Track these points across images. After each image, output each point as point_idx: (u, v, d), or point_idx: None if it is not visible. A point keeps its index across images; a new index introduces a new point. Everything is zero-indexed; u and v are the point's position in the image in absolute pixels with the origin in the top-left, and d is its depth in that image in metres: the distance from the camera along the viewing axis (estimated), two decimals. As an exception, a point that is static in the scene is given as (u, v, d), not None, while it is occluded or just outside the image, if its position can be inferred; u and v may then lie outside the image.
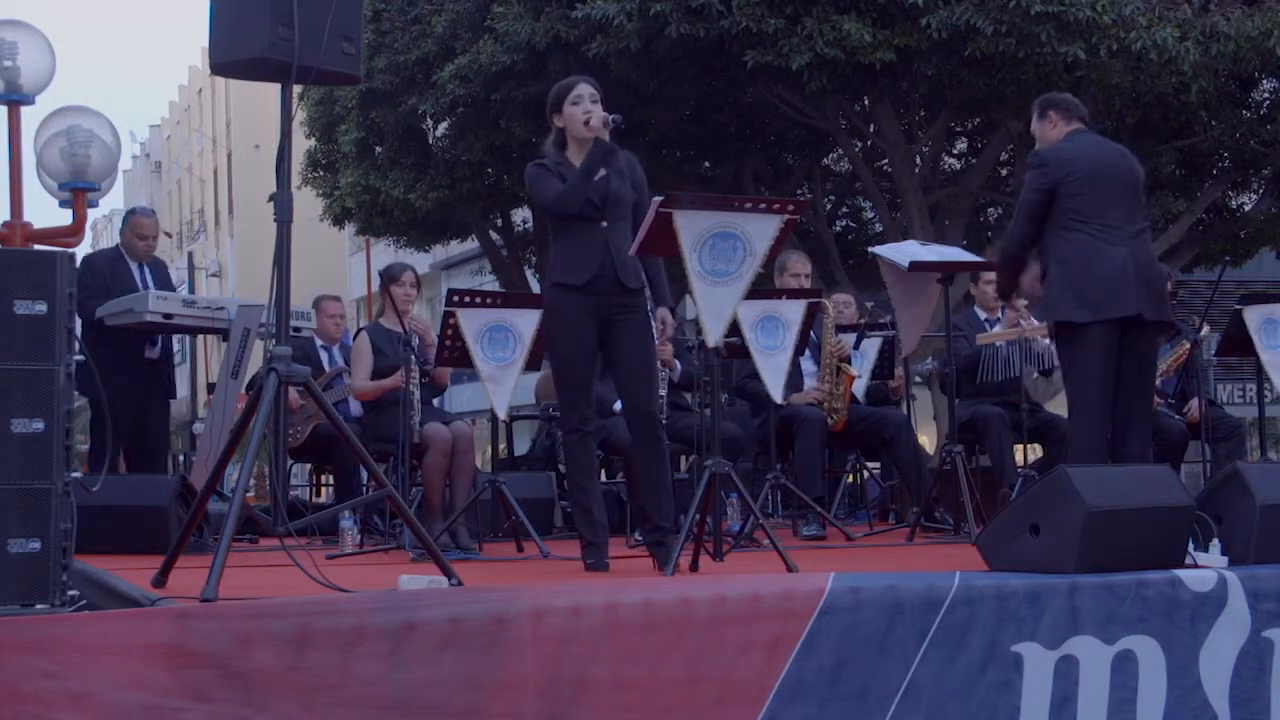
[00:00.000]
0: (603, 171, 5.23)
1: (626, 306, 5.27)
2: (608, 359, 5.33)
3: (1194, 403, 7.52)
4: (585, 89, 5.28)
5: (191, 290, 29.35)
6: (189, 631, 3.63)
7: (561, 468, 7.68)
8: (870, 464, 8.72)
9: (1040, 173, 5.71)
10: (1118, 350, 5.65)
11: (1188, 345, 7.49)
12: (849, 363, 7.33)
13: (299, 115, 15.04)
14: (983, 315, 7.70)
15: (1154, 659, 4.52)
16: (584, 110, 5.23)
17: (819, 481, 7.15)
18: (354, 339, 7.39)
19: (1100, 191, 5.66)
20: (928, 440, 14.23)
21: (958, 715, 4.25)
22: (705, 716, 3.99)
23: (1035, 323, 6.85)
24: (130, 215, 8.11)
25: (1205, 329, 7.56)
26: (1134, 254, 5.65)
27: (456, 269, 29.50)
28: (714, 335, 5.01)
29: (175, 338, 8.05)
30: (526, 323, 6.26)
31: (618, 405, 6.29)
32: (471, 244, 22.20)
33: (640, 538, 5.73)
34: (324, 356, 8.07)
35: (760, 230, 5.00)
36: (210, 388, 7.91)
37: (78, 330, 4.20)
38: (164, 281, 8.03)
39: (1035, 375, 7.35)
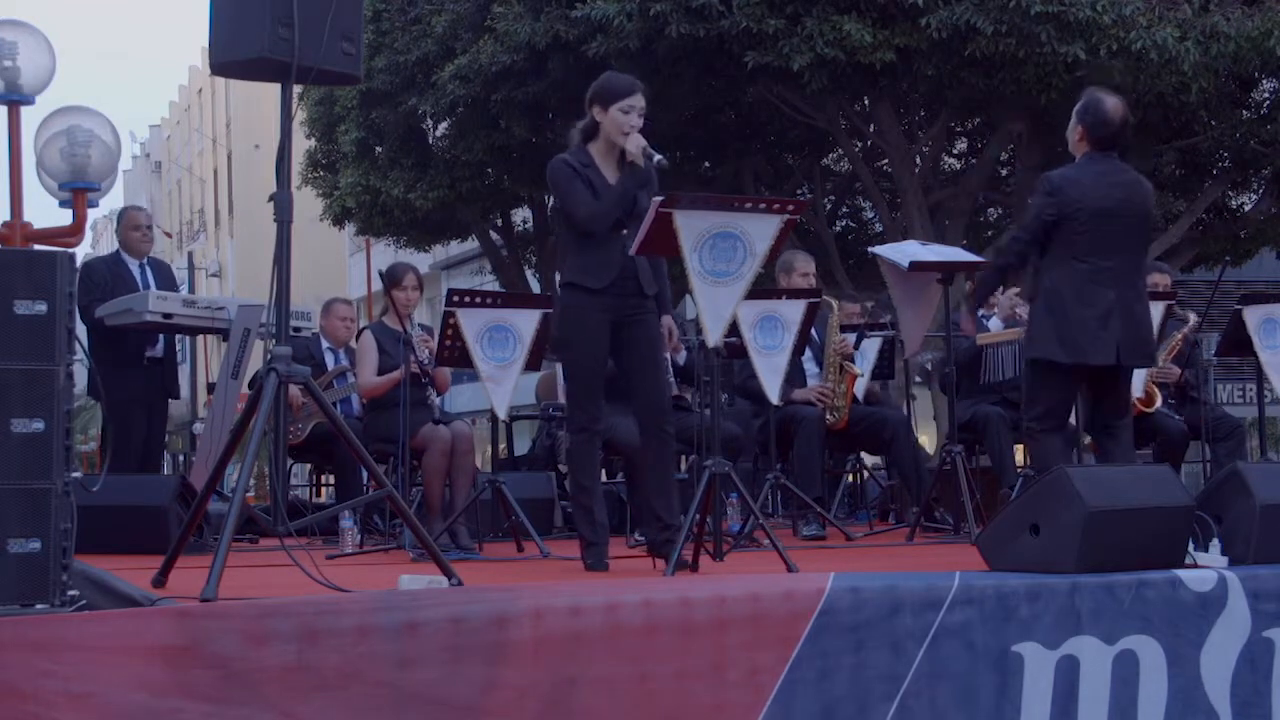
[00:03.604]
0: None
1: (641, 309, 5.28)
2: (619, 358, 5.33)
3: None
4: (639, 101, 5.18)
5: (191, 290, 29.37)
6: (189, 631, 3.64)
7: (562, 467, 7.67)
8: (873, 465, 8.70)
9: (1047, 202, 5.65)
10: (1090, 384, 5.76)
11: (1179, 337, 7.49)
12: (852, 361, 7.32)
13: (299, 115, 14.99)
14: (980, 310, 7.67)
15: (1155, 659, 4.53)
16: (630, 124, 5.15)
17: (819, 481, 7.14)
18: (357, 339, 7.39)
19: (1101, 231, 5.59)
20: (928, 440, 14.22)
21: (958, 715, 4.26)
22: (705, 717, 3.99)
23: None
24: (124, 212, 8.12)
25: (1192, 317, 7.56)
26: (1122, 297, 5.60)
27: (456, 269, 29.50)
28: (714, 335, 5.01)
29: (176, 337, 8.02)
30: (526, 323, 6.26)
31: None
32: (471, 244, 22.22)
33: (640, 537, 5.73)
34: (330, 359, 8.05)
35: (760, 230, 5.00)
36: (210, 388, 7.90)
37: (80, 332, 4.20)
38: (166, 281, 8.02)
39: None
